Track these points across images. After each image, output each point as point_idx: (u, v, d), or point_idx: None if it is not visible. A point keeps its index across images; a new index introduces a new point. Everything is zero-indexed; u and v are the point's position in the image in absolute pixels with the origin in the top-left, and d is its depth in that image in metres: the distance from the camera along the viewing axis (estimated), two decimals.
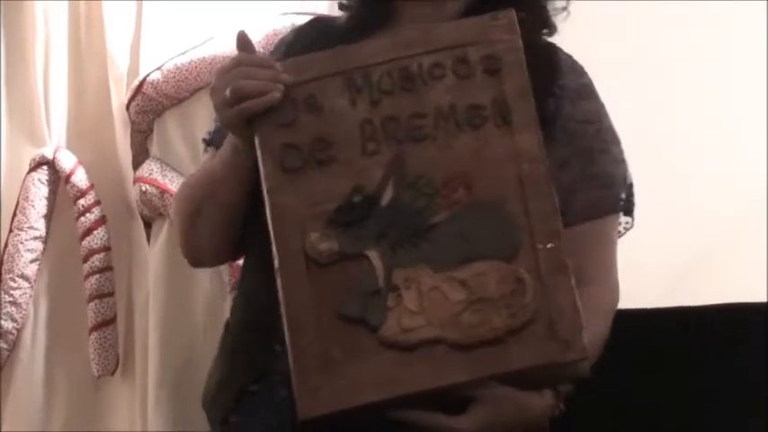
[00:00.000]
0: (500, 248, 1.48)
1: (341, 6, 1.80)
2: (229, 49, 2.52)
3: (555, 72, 1.66)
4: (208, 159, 1.78)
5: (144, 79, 2.51)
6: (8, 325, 2.65)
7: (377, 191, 1.52)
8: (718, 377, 2.57)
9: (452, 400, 1.46)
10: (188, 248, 1.79)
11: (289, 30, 1.88)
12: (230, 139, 1.63)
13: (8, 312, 2.64)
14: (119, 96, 2.68)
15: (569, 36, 2.68)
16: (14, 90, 2.76)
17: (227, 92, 1.51)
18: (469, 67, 1.54)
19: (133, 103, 2.54)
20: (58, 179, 2.67)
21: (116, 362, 2.61)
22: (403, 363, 1.45)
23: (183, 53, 2.51)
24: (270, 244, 1.51)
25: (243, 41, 1.56)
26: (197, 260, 1.86)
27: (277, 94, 1.51)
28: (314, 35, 1.78)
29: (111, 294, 2.59)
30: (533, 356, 1.45)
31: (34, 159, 2.67)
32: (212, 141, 1.78)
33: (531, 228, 1.49)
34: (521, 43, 1.54)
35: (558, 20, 1.83)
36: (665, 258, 2.69)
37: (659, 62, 2.76)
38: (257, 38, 2.25)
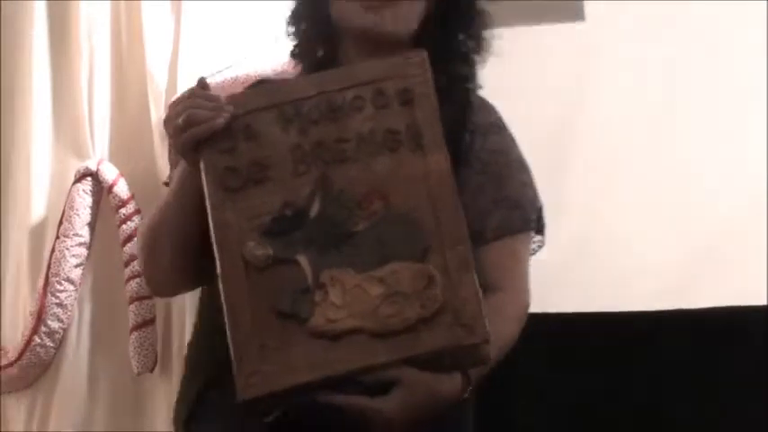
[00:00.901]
0: (412, 251, 1.62)
1: (292, 54, 1.92)
2: (260, 69, 2.64)
3: (469, 111, 1.81)
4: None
5: None
6: (55, 325, 2.77)
7: (305, 205, 1.65)
8: (719, 377, 2.61)
9: (376, 386, 1.59)
10: (147, 279, 1.89)
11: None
12: (178, 170, 1.75)
13: (55, 313, 2.76)
14: (158, 112, 2.77)
15: (572, 34, 2.71)
16: (61, 107, 2.89)
17: (180, 120, 1.64)
18: (386, 99, 1.67)
19: None
20: (101, 189, 2.78)
21: (155, 360, 2.72)
22: (329, 349, 1.57)
23: (218, 72, 2.59)
24: None
25: (202, 83, 1.69)
26: (156, 290, 2.00)
27: (221, 120, 1.62)
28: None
29: (150, 297, 2.68)
30: (441, 340, 1.58)
31: (79, 171, 2.78)
32: (170, 181, 1.89)
33: (441, 233, 1.62)
34: (431, 78, 1.68)
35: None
36: (665, 260, 2.69)
37: (661, 61, 2.76)
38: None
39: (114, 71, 2.91)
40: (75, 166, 2.82)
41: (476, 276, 1.62)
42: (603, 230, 2.78)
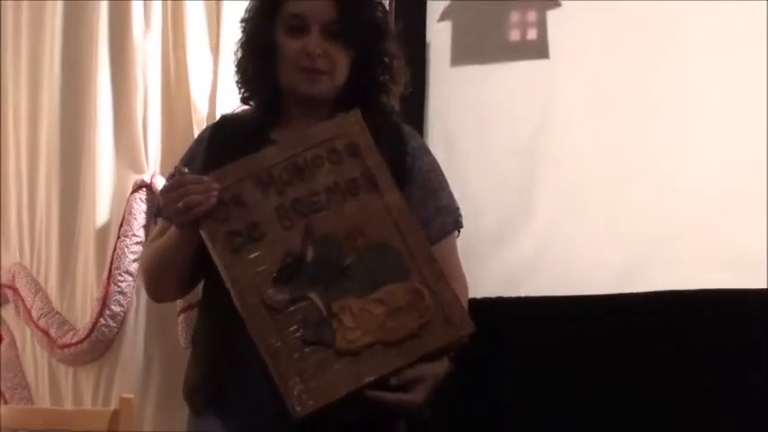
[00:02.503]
0: (397, 273, 1.77)
1: (242, 101, 2.05)
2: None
3: (404, 140, 1.98)
4: (158, 229, 2.01)
5: None
6: (117, 309, 2.98)
7: (301, 252, 1.78)
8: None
9: (394, 386, 1.75)
10: (152, 296, 2.08)
11: (207, 128, 2.12)
12: (174, 229, 1.87)
13: (117, 299, 2.98)
14: None
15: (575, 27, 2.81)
16: (121, 131, 3.10)
17: (180, 205, 1.77)
18: (339, 154, 1.82)
19: None
20: (153, 198, 2.95)
21: None
22: (354, 364, 1.71)
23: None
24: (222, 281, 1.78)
25: (180, 171, 1.83)
26: (159, 301, 2.15)
27: (213, 200, 1.77)
28: (229, 130, 2.02)
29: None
30: (441, 339, 1.76)
31: (136, 183, 3.00)
32: (159, 214, 2.01)
33: (413, 254, 1.79)
34: (367, 130, 1.83)
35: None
36: (615, 255, 2.75)
37: (617, 93, 2.79)
38: None
39: (164, 102, 3.08)
40: (133, 179, 3.03)
41: (449, 281, 1.80)
42: (566, 232, 2.84)
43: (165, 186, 1.86)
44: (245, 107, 2.10)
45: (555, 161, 2.90)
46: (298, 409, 1.69)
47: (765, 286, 2.57)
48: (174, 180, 1.81)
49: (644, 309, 2.72)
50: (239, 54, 2.01)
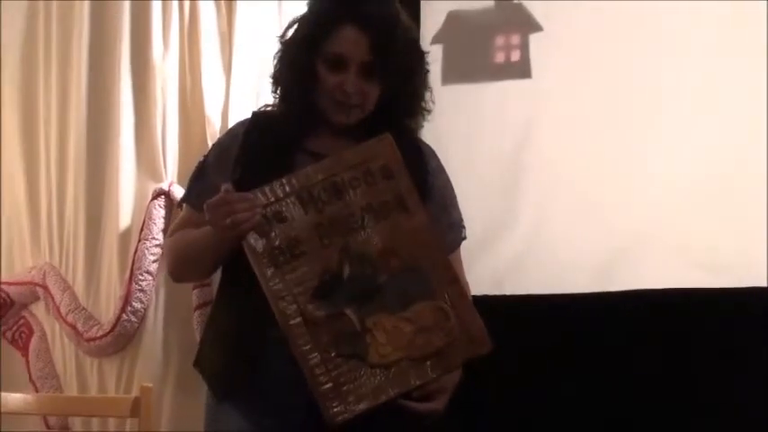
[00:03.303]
0: (425, 292, 1.80)
1: (276, 107, 2.02)
2: None
3: (424, 159, 2.02)
4: (184, 216, 2.03)
5: None
6: (138, 305, 3.05)
7: (338, 270, 1.79)
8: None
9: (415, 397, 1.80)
10: (175, 278, 2.09)
11: (240, 123, 2.06)
12: (206, 228, 1.86)
13: (138, 297, 3.04)
14: None
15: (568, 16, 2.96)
16: (142, 143, 3.16)
17: (228, 222, 1.77)
18: (373, 176, 1.82)
19: None
20: (171, 204, 3.04)
21: None
22: (385, 376, 1.75)
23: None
24: (242, 267, 1.79)
25: (228, 189, 1.80)
26: (179, 281, 2.19)
27: (258, 217, 1.78)
28: (263, 129, 2.00)
29: (208, 285, 2.90)
30: (463, 355, 1.80)
31: (155, 191, 3.07)
32: (185, 200, 2.04)
33: (439, 274, 1.81)
34: (400, 155, 1.83)
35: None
36: (591, 254, 2.91)
37: (593, 112, 2.95)
38: None
39: (181, 117, 3.15)
40: (152, 187, 3.09)
41: (470, 298, 1.85)
42: (546, 235, 3.02)
43: (211, 202, 1.82)
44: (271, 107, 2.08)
45: (536, 170, 3.04)
46: (333, 416, 1.73)
47: (736, 285, 2.73)
48: (220, 197, 1.80)
49: (620, 305, 2.86)
50: (279, 70, 2.00)
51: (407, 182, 1.83)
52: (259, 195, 1.79)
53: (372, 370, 1.75)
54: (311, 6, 2.00)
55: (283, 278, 1.77)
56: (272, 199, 1.80)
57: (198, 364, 2.03)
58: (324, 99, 1.95)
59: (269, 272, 1.77)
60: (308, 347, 1.74)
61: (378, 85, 1.94)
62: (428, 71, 2.03)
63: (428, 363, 1.77)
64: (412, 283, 1.79)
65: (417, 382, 1.77)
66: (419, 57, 1.99)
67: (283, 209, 1.79)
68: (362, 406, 1.74)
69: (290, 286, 1.76)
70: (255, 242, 1.78)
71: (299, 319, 1.75)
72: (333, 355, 1.75)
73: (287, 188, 1.81)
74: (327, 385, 1.74)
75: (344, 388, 1.73)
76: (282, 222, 1.79)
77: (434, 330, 1.78)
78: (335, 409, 1.72)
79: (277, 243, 1.77)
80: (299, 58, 1.96)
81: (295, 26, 2.00)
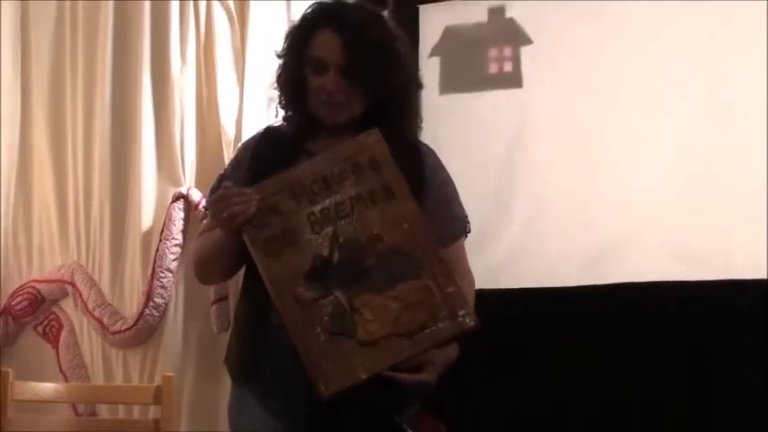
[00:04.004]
0: (411, 272, 1.83)
1: (284, 119, 2.11)
2: None
3: (422, 157, 2.06)
4: (207, 223, 2.07)
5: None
6: (159, 301, 3.16)
7: (329, 255, 1.84)
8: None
9: (410, 368, 1.83)
10: (200, 280, 2.13)
11: (252, 137, 2.14)
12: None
13: (159, 293, 3.15)
14: (228, 154, 3.12)
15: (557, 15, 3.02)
16: (162, 150, 3.26)
17: (225, 215, 1.84)
18: (362, 168, 1.86)
19: None
20: (190, 207, 3.16)
21: (228, 323, 3.01)
22: (374, 352, 1.78)
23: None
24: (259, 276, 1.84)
25: (228, 185, 1.89)
26: (206, 283, 2.26)
27: (252, 209, 1.83)
28: (271, 140, 2.07)
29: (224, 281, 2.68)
30: (449, 330, 1.82)
31: (174, 194, 3.18)
32: (207, 208, 2.10)
33: (426, 256, 1.84)
34: (387, 148, 1.87)
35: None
36: (580, 249, 2.97)
37: (580, 118, 3.02)
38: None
39: (198, 126, 3.25)
40: (172, 191, 3.20)
41: (456, 277, 1.85)
42: (537, 232, 3.10)
43: (213, 197, 1.94)
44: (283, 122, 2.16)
45: (527, 172, 3.13)
46: (324, 390, 1.76)
47: (716, 277, 2.80)
48: (220, 193, 1.90)
49: (608, 296, 2.93)
50: (278, 79, 2.09)
51: (395, 171, 1.87)
52: (255, 190, 1.86)
53: (361, 346, 1.78)
54: (299, 17, 2.08)
55: (278, 264, 1.82)
56: (268, 194, 1.86)
57: (226, 357, 2.11)
58: (313, 102, 2.03)
59: (265, 259, 1.83)
60: (300, 326, 1.79)
61: (359, 87, 1.99)
62: (415, 75, 2.07)
63: (415, 337, 1.79)
64: (399, 264, 1.82)
65: (404, 357, 1.79)
66: (395, 58, 2.00)
67: (278, 202, 1.85)
68: (352, 380, 1.77)
69: (285, 272, 1.82)
70: (253, 234, 1.84)
71: (292, 302, 1.80)
72: (324, 333, 1.79)
73: (280, 184, 1.87)
74: (319, 361, 1.77)
75: (335, 363, 1.77)
76: (277, 215, 1.85)
77: (420, 307, 1.80)
78: (326, 384, 1.76)
79: (272, 233, 1.83)
80: (291, 66, 2.05)
81: (289, 38, 2.08)
